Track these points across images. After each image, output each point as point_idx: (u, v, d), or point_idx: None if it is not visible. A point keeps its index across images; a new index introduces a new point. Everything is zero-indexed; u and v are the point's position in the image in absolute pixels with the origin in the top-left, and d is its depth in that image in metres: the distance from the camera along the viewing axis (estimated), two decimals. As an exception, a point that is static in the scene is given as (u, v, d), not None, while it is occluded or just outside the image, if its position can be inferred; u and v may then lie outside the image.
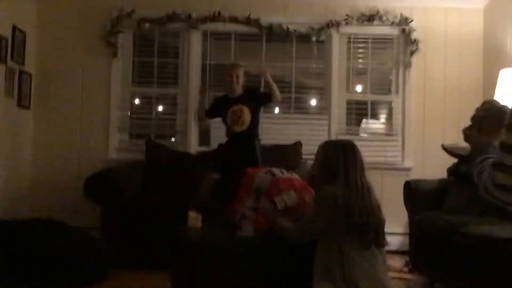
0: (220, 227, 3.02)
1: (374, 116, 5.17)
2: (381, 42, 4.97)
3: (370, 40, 4.95)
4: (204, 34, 4.91)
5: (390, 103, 5.04)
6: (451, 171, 3.64)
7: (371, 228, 2.26)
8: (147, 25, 4.79)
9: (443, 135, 4.77)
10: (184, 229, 2.91)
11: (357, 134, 5.04)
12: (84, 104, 4.79)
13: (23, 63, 4.49)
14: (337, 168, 2.34)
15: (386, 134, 5.03)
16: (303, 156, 4.59)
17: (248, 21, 4.83)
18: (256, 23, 4.83)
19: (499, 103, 2.29)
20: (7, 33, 4.22)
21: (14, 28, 4.32)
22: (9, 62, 4.24)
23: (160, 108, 5.16)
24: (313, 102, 5.18)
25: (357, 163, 2.38)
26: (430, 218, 3.21)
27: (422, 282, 3.27)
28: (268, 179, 2.70)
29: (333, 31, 4.87)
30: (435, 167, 4.57)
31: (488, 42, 4.85)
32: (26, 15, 4.58)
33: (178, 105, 4.94)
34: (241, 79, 4.14)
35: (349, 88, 5.00)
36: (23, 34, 4.48)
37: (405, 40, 4.88)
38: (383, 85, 5.08)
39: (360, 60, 5.02)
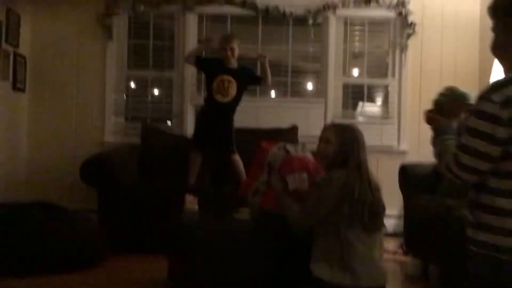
0: (217, 211, 3.05)
1: (371, 99, 5.18)
2: (378, 25, 4.95)
3: (366, 23, 4.93)
4: (200, 17, 4.88)
5: (386, 86, 5.04)
6: (446, 154, 3.66)
7: (376, 212, 2.29)
8: (142, 7, 4.76)
9: (439, 119, 4.78)
10: (181, 213, 2.94)
11: (353, 118, 5.04)
12: (80, 87, 4.77)
13: (17, 46, 4.45)
14: (351, 152, 2.34)
15: (382, 118, 5.03)
16: (299, 140, 4.60)
17: (244, 4, 4.80)
18: (252, 5, 4.80)
19: (460, 90, 2.33)
20: (2, 16, 4.18)
21: (8, 11, 4.28)
22: (4, 45, 4.21)
23: (156, 91, 5.14)
24: (309, 85, 5.17)
25: (365, 148, 2.38)
26: (425, 201, 3.23)
27: (416, 264, 3.30)
28: (282, 155, 2.66)
29: (329, 13, 4.84)
30: (430, 150, 4.58)
31: (484, 26, 4.82)
32: (20, -3, 4.54)
33: (174, 88, 4.92)
34: (236, 51, 4.08)
35: (345, 71, 4.99)
36: (18, 16, 4.44)
37: (402, 23, 4.86)
38: (380, 68, 5.07)
39: (357, 43, 5.00)
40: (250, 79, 4.22)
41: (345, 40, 4.93)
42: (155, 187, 3.86)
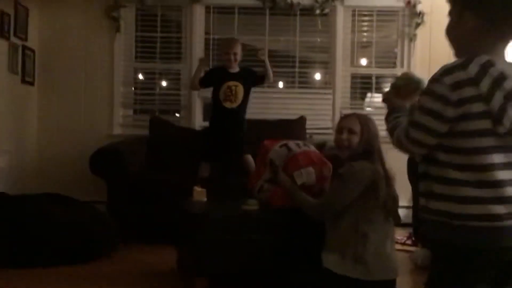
0: (225, 202, 3.06)
1: (379, 89, 5.15)
2: (386, 14, 4.92)
3: (375, 13, 4.89)
4: (207, 8, 4.87)
5: (395, 76, 5.01)
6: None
7: (392, 204, 2.30)
8: (149, -1, 4.77)
9: (448, 109, 4.76)
10: (189, 204, 2.95)
11: (362, 108, 5.03)
12: (88, 80, 4.79)
13: (26, 39, 4.48)
14: (376, 144, 2.35)
15: (391, 108, 5.00)
16: (307, 131, 4.60)
17: (251, -6, 4.79)
18: (259, -4, 4.78)
19: (415, 75, 2.40)
20: (10, 9, 4.20)
21: (16, 4, 4.29)
22: (12, 38, 4.23)
23: (164, 84, 5.15)
24: (317, 76, 5.15)
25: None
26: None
27: (425, 254, 3.29)
28: (284, 153, 2.67)
29: (337, 3, 4.81)
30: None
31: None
32: (28, -10, 4.55)
33: (181, 80, 4.93)
34: (239, 56, 4.06)
35: (353, 61, 4.97)
36: (26, 9, 4.46)
37: (410, 12, 4.83)
38: (388, 58, 5.04)
39: (365, 33, 4.97)
40: (253, 79, 4.16)
41: (353, 30, 4.90)
42: (164, 179, 3.88)
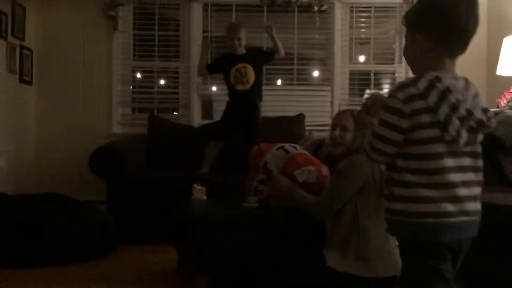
0: (225, 199, 3.06)
1: (377, 86, 5.15)
2: (384, 11, 4.91)
3: (373, 9, 4.88)
4: (205, 6, 4.86)
5: (393, 72, 5.01)
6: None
7: None
8: (146, -3, 4.76)
9: (447, 104, 4.75)
10: (189, 202, 2.94)
11: (360, 105, 5.02)
12: (86, 79, 4.78)
13: (23, 39, 4.46)
14: None
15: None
16: (306, 128, 4.59)
17: (249, -8, 4.78)
18: (257, -7, 4.77)
19: (382, 95, 2.50)
20: (7, 8, 4.18)
21: (13, 4, 4.28)
22: (10, 37, 4.22)
23: (162, 82, 5.14)
24: (316, 73, 5.15)
25: None
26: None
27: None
28: (281, 156, 2.68)
29: (335, 0, 4.80)
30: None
31: (492, 10, 4.78)
32: (24, -11, 4.54)
33: (180, 78, 4.92)
34: (244, 40, 4.09)
35: (352, 58, 4.96)
36: (23, 9, 4.45)
37: (408, 8, 4.81)
38: (386, 55, 5.04)
39: (363, 30, 4.97)
40: (262, 57, 4.22)
41: (351, 27, 4.90)
42: (163, 177, 3.87)
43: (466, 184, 1.36)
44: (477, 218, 1.40)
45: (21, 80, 4.46)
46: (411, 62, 1.50)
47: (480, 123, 1.37)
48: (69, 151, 4.68)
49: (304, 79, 5.04)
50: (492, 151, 3.27)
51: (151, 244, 3.65)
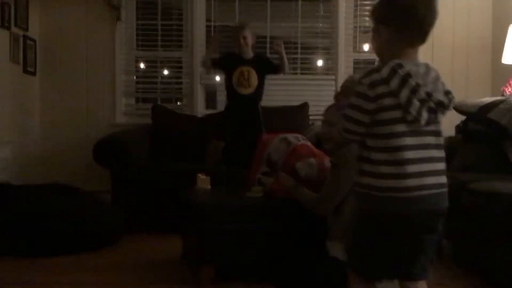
0: (229, 189, 3.07)
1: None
2: (388, -2, 4.86)
3: (377, -3, 4.84)
4: (208, -5, 4.84)
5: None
6: (460, 128, 3.63)
7: None
8: (150, -13, 4.74)
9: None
10: (193, 192, 2.95)
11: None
12: (90, 69, 4.78)
13: (27, 29, 4.46)
14: None
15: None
16: (310, 117, 4.58)
17: (252, -20, 4.75)
18: (260, -18, 4.74)
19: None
20: (10, -1, 4.18)
21: (16, -7, 4.27)
22: (13, 28, 4.21)
23: (166, 72, 5.14)
24: (320, 62, 5.12)
25: None
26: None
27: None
28: (284, 148, 2.68)
29: (339, -12, 4.78)
30: (443, 125, 4.52)
31: (498, -3, 4.75)
32: (27, -21, 4.52)
33: (183, 68, 4.91)
34: (250, 39, 4.00)
35: (356, 47, 4.94)
36: (26, -1, 4.44)
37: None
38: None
39: (367, 18, 4.93)
40: (268, 67, 4.10)
41: (355, 15, 4.87)
42: (167, 167, 3.88)
43: (428, 160, 1.52)
44: (440, 190, 1.55)
45: (25, 71, 4.46)
46: (378, 52, 1.64)
47: (440, 104, 1.53)
48: (73, 141, 4.69)
49: (308, 68, 5.02)
50: (497, 140, 3.25)
51: (155, 234, 3.67)
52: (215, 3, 4.84)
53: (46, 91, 4.75)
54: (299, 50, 4.88)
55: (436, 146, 1.56)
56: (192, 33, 4.79)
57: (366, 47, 5.03)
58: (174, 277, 2.72)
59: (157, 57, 4.93)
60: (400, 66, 1.49)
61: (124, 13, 4.77)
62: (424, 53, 4.79)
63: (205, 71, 4.69)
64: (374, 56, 4.87)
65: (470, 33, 4.82)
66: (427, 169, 1.51)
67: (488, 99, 3.53)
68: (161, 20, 4.84)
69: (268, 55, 4.49)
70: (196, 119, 4.59)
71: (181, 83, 4.93)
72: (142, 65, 5.06)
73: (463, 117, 3.62)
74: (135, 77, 4.93)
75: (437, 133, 1.57)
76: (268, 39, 4.72)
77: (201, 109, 4.84)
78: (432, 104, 1.51)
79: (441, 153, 1.57)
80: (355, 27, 4.88)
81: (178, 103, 5.01)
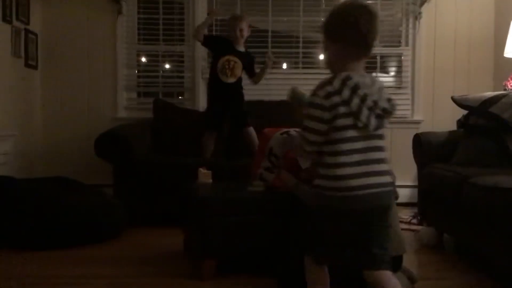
0: (231, 183, 3.07)
1: (384, 69, 5.12)
2: (391, -8, 4.86)
3: (379, -9, 4.83)
4: (210, -11, 4.82)
5: (399, 55, 4.98)
6: (461, 123, 3.63)
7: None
8: (151, -20, 4.72)
9: (453, 87, 4.73)
10: (195, 186, 2.95)
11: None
12: (91, 63, 4.77)
13: (28, 23, 4.45)
14: None
15: (396, 87, 4.98)
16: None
17: (254, -26, 4.73)
18: (262, -25, 4.72)
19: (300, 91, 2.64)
20: (11, -8, 4.18)
21: (17, -13, 4.26)
22: (14, 22, 4.21)
23: (167, 66, 5.13)
24: (321, 56, 5.11)
25: None
26: (440, 170, 3.22)
27: (431, 233, 3.31)
28: (286, 141, 2.68)
29: (341, -18, 4.75)
30: (445, 120, 4.55)
31: (500, -9, 4.73)
32: (28, -27, 4.51)
33: (185, 62, 4.90)
34: (246, 32, 4.05)
35: (358, 41, 4.91)
36: (27, -7, 4.43)
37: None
38: (393, 37, 5.00)
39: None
40: (249, 67, 4.17)
41: (357, 9, 4.84)
42: (169, 161, 3.89)
43: (375, 161, 1.66)
44: (385, 189, 1.68)
45: (27, 65, 4.46)
46: (328, 64, 1.80)
47: (385, 110, 1.66)
48: (75, 135, 4.70)
49: (309, 63, 5.01)
50: (498, 134, 3.25)
51: (157, 228, 3.68)
52: (217, -3, 4.83)
53: (47, 85, 4.76)
54: (300, 44, 4.87)
55: (380, 148, 1.70)
56: (194, 27, 4.77)
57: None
58: (176, 270, 2.73)
59: (158, 51, 4.93)
60: (349, 78, 1.65)
61: (126, 6, 4.76)
62: (426, 48, 4.80)
63: (208, 62, 4.68)
64: (375, 50, 4.89)
65: (472, 27, 4.81)
66: (372, 169, 1.66)
67: (490, 93, 3.53)
68: (162, 13, 4.83)
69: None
70: (198, 113, 4.58)
71: (182, 77, 4.92)
72: (143, 59, 5.05)
73: (465, 112, 3.62)
74: (136, 71, 4.93)
75: (381, 137, 1.71)
76: (269, 33, 4.71)
77: (202, 103, 4.83)
78: (378, 111, 1.65)
79: (384, 155, 1.71)
80: (357, 21, 4.85)
81: (180, 97, 5.01)
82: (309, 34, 4.97)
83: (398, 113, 4.81)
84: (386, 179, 1.69)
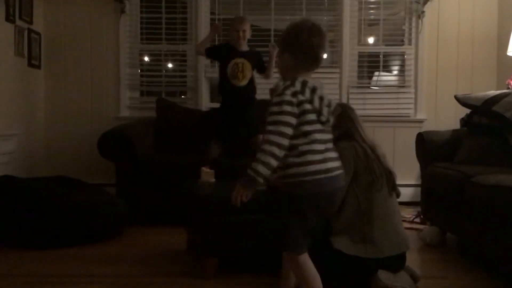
0: (233, 182, 3.06)
1: (387, 68, 5.11)
2: (394, -9, 4.85)
3: (382, -10, 4.83)
4: (212, -12, 4.82)
5: (402, 54, 4.97)
6: (464, 121, 3.62)
7: (388, 177, 2.34)
8: (154, -20, 4.72)
9: (456, 86, 4.72)
10: (197, 185, 2.95)
11: (369, 87, 4.99)
12: (94, 62, 4.78)
13: (31, 22, 4.46)
14: (344, 125, 2.41)
15: (399, 86, 4.97)
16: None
17: (256, -27, 4.72)
18: (265, -26, 4.72)
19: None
20: (14, -8, 4.19)
21: (20, -13, 4.27)
22: (18, 21, 4.22)
23: (170, 65, 5.13)
24: (324, 55, 5.10)
25: (357, 119, 2.47)
26: (442, 169, 3.21)
27: (434, 232, 3.30)
28: None
29: (343, -19, 4.75)
30: (448, 118, 4.54)
31: (504, -11, 4.71)
32: (31, -28, 4.52)
33: (187, 61, 4.91)
34: (248, 33, 4.04)
35: (360, 40, 4.92)
36: (30, -8, 4.44)
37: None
38: (396, 36, 4.99)
39: (372, 11, 4.91)
40: (258, 63, 4.14)
41: (360, 8, 4.84)
42: (172, 160, 3.89)
43: (329, 150, 1.95)
44: (337, 173, 1.95)
45: (30, 64, 4.47)
46: (282, 72, 2.04)
47: (333, 110, 1.97)
48: (78, 134, 4.71)
49: (312, 62, 4.99)
50: (501, 133, 3.24)
51: (160, 226, 3.68)
52: (219, -4, 4.83)
53: (50, 84, 4.77)
54: (303, 43, 4.85)
55: (331, 140, 1.99)
56: (197, 26, 4.78)
57: (371, 40, 5.01)
58: (178, 269, 2.73)
59: (161, 50, 4.93)
60: (307, 81, 1.92)
61: (129, 6, 4.77)
62: (429, 47, 4.79)
63: (210, 61, 4.70)
64: (378, 49, 4.91)
65: (475, 26, 4.80)
66: (328, 156, 1.93)
67: (493, 92, 3.52)
68: (165, 13, 4.83)
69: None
70: (200, 113, 4.59)
71: (185, 76, 4.93)
72: (146, 59, 5.06)
73: (468, 110, 3.61)
74: (139, 71, 4.93)
75: (331, 130, 2.01)
76: (272, 32, 4.71)
77: (205, 103, 4.85)
78: (331, 110, 1.96)
79: (332, 145, 2.00)
80: (360, 20, 4.86)
81: (183, 96, 5.01)
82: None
83: (401, 112, 4.83)
84: (337, 163, 1.97)
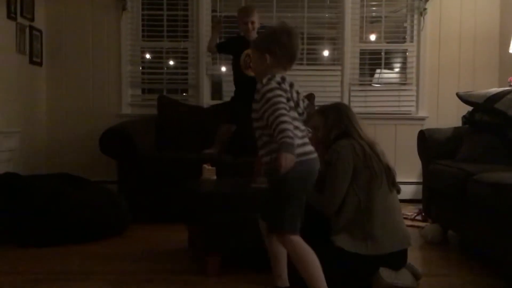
0: (235, 179, 3.07)
1: (388, 65, 5.10)
2: (395, -12, 4.83)
3: (384, -13, 4.81)
4: (214, -15, 4.82)
5: (404, 51, 4.96)
6: (466, 119, 3.62)
7: (387, 174, 2.33)
8: (155, -23, 4.71)
9: (458, 84, 4.72)
10: (199, 182, 2.96)
11: (370, 84, 4.99)
12: (96, 60, 4.78)
13: (33, 20, 4.46)
14: (343, 126, 2.42)
15: (401, 84, 4.97)
16: (316, 108, 4.55)
17: (258, -31, 4.71)
18: (266, -29, 4.71)
19: None
20: (16, -11, 4.18)
21: (21, -16, 4.27)
22: (19, 18, 4.22)
23: (171, 63, 5.13)
24: (326, 52, 5.10)
25: (355, 118, 2.47)
26: (444, 166, 3.21)
27: (435, 230, 3.30)
28: None
29: (345, -22, 4.74)
30: (450, 116, 4.54)
31: (506, -14, 4.70)
32: (33, -30, 4.51)
33: (189, 59, 4.90)
34: (257, 23, 4.02)
35: (362, 37, 4.91)
36: (31, -11, 4.44)
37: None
38: (398, 33, 4.98)
39: (374, 8, 4.90)
40: None
41: (362, 5, 4.83)
42: (173, 158, 3.89)
43: (305, 137, 2.11)
44: (316, 155, 2.12)
45: (31, 61, 4.47)
46: (258, 72, 2.18)
47: (306, 106, 2.17)
48: (79, 132, 4.71)
49: (314, 59, 5.00)
50: (503, 130, 3.24)
51: (162, 224, 3.69)
52: (221, -7, 4.82)
53: (52, 82, 4.77)
54: (305, 41, 4.85)
55: (303, 129, 2.13)
56: (198, 23, 4.77)
57: (372, 37, 5.01)
58: (180, 266, 2.74)
59: (162, 48, 4.93)
60: (284, 78, 2.08)
61: (130, 3, 4.76)
62: (431, 44, 4.78)
63: (212, 58, 4.69)
64: (380, 47, 4.90)
65: (477, 23, 4.79)
66: (307, 141, 2.11)
67: (495, 90, 3.52)
68: (166, 10, 4.83)
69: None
70: (202, 110, 4.59)
71: (186, 73, 4.92)
72: (148, 56, 5.05)
73: (470, 108, 3.61)
74: (141, 68, 4.93)
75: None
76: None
77: (206, 100, 4.84)
78: (305, 105, 2.16)
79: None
80: (362, 17, 4.85)
81: (184, 93, 5.01)
82: (313, 30, 4.96)
83: (402, 109, 4.82)
84: (311, 147, 2.12)
